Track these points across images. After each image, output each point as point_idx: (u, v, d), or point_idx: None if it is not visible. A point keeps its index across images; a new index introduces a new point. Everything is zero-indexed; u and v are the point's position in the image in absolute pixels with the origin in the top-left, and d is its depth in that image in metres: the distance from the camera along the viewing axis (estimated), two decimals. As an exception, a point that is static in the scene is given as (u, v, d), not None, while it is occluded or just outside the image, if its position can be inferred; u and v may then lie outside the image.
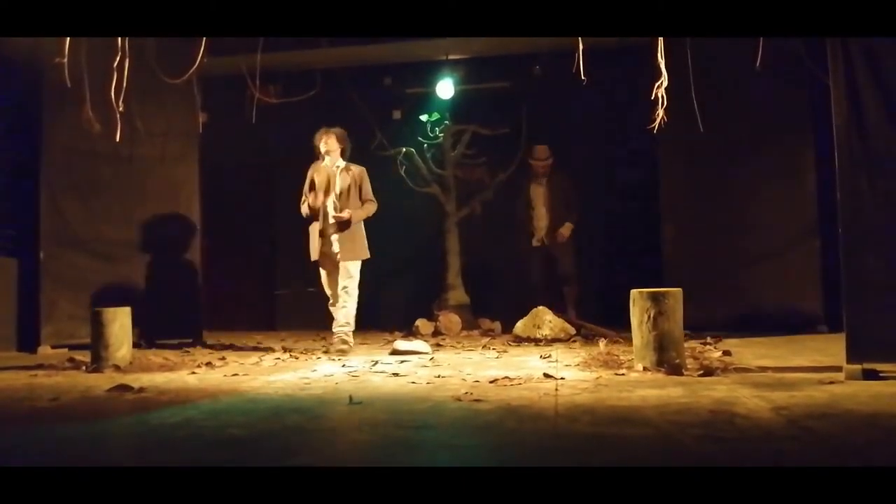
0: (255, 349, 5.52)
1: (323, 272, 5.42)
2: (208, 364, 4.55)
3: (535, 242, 7.04)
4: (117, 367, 4.40)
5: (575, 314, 6.58)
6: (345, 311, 5.27)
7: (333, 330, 5.31)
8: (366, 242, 5.41)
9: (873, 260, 3.34)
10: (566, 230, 6.89)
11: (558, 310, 6.33)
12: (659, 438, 2.33)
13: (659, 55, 4.19)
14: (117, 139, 4.93)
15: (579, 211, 6.96)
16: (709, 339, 5.11)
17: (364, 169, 5.49)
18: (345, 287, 5.27)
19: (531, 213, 7.03)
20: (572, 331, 5.86)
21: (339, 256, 5.29)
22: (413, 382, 3.63)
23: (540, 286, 6.92)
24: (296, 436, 2.51)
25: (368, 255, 5.42)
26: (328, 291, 5.45)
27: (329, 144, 5.36)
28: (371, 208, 5.43)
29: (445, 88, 7.09)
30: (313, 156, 5.47)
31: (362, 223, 5.41)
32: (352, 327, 5.31)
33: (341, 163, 5.43)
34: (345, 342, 5.22)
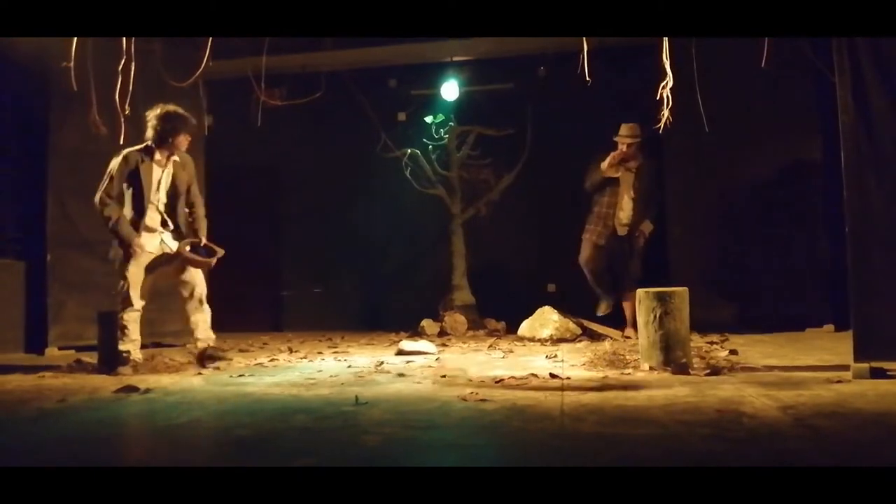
0: (261, 349, 5.52)
1: (139, 272, 4.51)
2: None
3: (610, 235, 5.91)
4: (124, 369, 4.40)
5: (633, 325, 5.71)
6: (206, 319, 4.63)
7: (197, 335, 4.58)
8: None
9: (880, 258, 3.33)
10: (647, 228, 5.88)
11: (619, 321, 5.88)
12: (666, 438, 2.33)
13: (664, 55, 4.19)
14: (122, 142, 4.95)
15: (657, 209, 6.01)
16: (715, 339, 5.10)
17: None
18: (200, 298, 4.63)
19: (614, 202, 5.89)
20: (578, 331, 5.86)
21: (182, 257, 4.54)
22: (419, 383, 3.63)
23: (604, 289, 5.98)
24: (302, 436, 2.51)
25: None
26: (139, 298, 4.51)
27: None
28: None
29: (450, 90, 7.11)
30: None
31: None
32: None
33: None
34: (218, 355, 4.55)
